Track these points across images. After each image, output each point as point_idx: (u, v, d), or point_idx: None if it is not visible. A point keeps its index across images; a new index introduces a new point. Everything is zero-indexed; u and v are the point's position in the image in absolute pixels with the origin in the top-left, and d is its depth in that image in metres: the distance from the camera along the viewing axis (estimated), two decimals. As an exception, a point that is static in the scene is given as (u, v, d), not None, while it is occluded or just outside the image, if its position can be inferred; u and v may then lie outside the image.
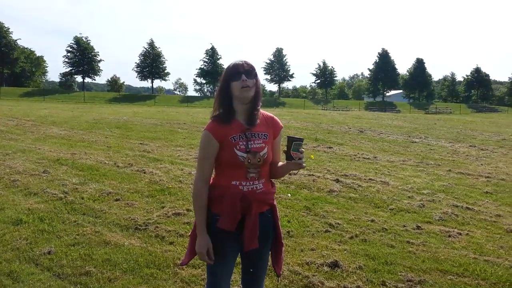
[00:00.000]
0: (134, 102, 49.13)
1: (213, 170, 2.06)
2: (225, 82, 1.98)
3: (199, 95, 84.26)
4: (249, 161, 1.95)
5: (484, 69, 77.89)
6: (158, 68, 67.86)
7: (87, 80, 68.97)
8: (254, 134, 2.00)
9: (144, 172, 6.87)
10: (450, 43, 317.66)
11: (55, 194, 5.45)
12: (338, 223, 4.72)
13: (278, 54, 74.85)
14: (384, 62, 72.72)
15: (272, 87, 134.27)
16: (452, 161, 9.29)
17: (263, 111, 2.11)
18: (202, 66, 71.31)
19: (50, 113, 19.39)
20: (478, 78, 75.19)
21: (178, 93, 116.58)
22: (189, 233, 2.16)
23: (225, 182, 1.99)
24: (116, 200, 5.29)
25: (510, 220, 5.09)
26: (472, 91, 76.93)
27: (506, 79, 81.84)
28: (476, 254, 3.95)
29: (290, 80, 78.71)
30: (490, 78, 78.60)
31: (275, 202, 2.14)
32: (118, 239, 4.03)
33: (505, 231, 4.68)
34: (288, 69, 75.24)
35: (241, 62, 1.98)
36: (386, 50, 74.16)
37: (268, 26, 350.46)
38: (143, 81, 71.75)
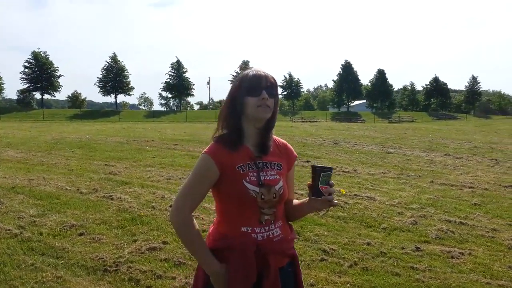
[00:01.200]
0: (97, 119, 47.36)
1: (216, 213, 1.62)
2: (238, 95, 1.55)
3: (165, 109, 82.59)
4: (262, 197, 1.52)
5: (442, 79, 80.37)
6: (121, 83, 65.83)
7: (46, 96, 65.66)
8: (266, 163, 1.58)
9: (111, 198, 6.21)
10: (409, 54, 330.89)
11: (9, 230, 4.73)
12: (332, 248, 4.30)
13: (245, 67, 74.86)
14: (348, 73, 74.18)
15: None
16: (431, 171, 9.15)
17: (275, 137, 1.69)
18: (167, 80, 70.14)
19: (6, 133, 18.09)
20: (437, 87, 78.03)
21: (143, 107, 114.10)
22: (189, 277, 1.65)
23: (232, 230, 1.54)
24: (80, 234, 4.64)
25: (507, 234, 4.85)
26: (432, 99, 79.73)
27: (463, 88, 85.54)
28: (487, 278, 3.63)
29: (257, 92, 78.55)
30: (448, 86, 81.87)
31: (295, 252, 1.68)
32: (85, 285, 3.41)
33: (507, 248, 4.42)
34: (254, 81, 75.23)
35: (263, 74, 1.56)
36: (349, 62, 75.71)
37: (234, 38, 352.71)
38: (106, 96, 69.31)
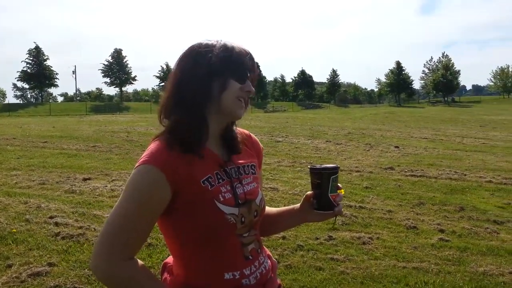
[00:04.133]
0: None
1: (173, 256, 1.12)
2: (210, 73, 1.05)
3: (21, 101, 72.60)
4: (243, 220, 1.07)
5: (308, 71, 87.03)
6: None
7: None
8: (238, 168, 1.13)
9: (-32, 213, 4.95)
10: (278, 49, 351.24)
11: None
12: (249, 247, 4.02)
13: (117, 56, 70.08)
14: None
15: (110, 91, 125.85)
16: (319, 157, 9.60)
17: (238, 128, 1.23)
18: (24, 69, 61.69)
19: None
20: (304, 79, 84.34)
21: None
22: None
23: (210, 282, 1.06)
24: None
25: (401, 215, 5.21)
26: (299, 90, 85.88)
27: (324, 80, 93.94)
28: (401, 261, 3.77)
29: (132, 83, 74.54)
30: (313, 79, 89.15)
31: (279, 280, 1.29)
32: None
33: (405, 228, 4.72)
34: (130, 71, 71.25)
35: (248, 52, 1.11)
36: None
37: (104, 22, 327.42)
38: None
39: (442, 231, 4.61)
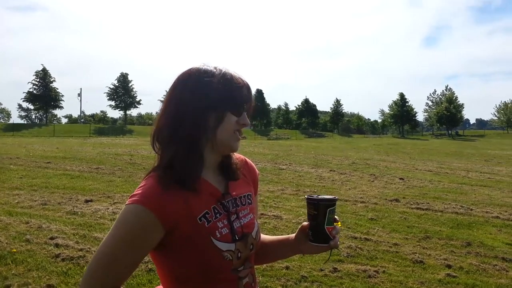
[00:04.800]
0: None
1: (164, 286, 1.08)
2: (207, 106, 1.03)
3: (26, 122, 73.03)
4: (239, 255, 1.05)
5: (311, 100, 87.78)
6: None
7: None
8: (235, 200, 1.10)
9: (-32, 232, 4.89)
10: (282, 76, 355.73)
11: None
12: (252, 277, 3.93)
13: (123, 80, 71.16)
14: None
15: (114, 114, 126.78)
16: (323, 186, 9.51)
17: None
18: (31, 90, 62.57)
19: None
20: (308, 108, 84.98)
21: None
22: None
23: None
24: None
25: (408, 248, 5.10)
26: (303, 119, 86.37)
27: (328, 109, 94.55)
28: (408, 297, 3.66)
29: (137, 107, 75.34)
30: (317, 108, 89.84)
31: None
32: None
33: (411, 262, 4.61)
34: (135, 95, 72.16)
35: (245, 82, 1.09)
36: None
37: (112, 48, 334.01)
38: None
39: (449, 266, 4.50)
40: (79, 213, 6.04)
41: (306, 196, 1.16)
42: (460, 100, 79.55)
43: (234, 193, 1.10)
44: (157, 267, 1.06)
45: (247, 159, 1.24)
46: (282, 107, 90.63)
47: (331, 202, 1.11)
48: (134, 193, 0.97)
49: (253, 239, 1.09)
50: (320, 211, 1.10)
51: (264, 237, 1.27)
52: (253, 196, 1.18)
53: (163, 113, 1.05)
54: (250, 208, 1.13)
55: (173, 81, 1.08)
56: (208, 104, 1.02)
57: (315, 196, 1.14)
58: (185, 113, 1.01)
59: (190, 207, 0.98)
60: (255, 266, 1.18)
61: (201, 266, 0.99)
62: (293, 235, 1.22)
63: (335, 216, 1.14)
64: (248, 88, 1.08)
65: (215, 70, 1.06)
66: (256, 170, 1.26)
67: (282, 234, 5.30)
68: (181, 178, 0.98)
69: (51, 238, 4.76)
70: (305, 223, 1.16)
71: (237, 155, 1.19)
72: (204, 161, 1.05)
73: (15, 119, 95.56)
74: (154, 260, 1.05)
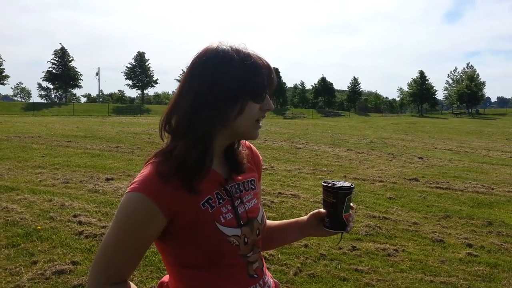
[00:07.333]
0: (-38, 111, 40.59)
1: (171, 277, 1.06)
2: (226, 96, 0.95)
3: (46, 101, 74.23)
4: (246, 240, 1.02)
5: (328, 79, 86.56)
6: (-9, 71, 57.67)
7: None
8: (239, 185, 1.07)
9: (-4, 209, 5.05)
10: (298, 55, 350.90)
11: None
12: (271, 254, 3.97)
13: (140, 59, 71.38)
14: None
15: (132, 93, 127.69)
16: (340, 165, 9.46)
17: None
18: (50, 69, 63.37)
19: None
20: (324, 87, 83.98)
21: (19, 99, 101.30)
22: None
23: None
24: (-44, 260, 3.58)
25: (427, 227, 5.06)
26: (320, 97, 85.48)
27: (346, 88, 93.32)
28: (428, 275, 3.65)
29: (154, 86, 75.77)
30: (334, 87, 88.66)
31: None
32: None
33: (431, 241, 4.58)
34: (152, 74, 72.42)
35: (267, 64, 1.01)
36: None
37: (127, 27, 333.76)
38: (-28, 86, 60.05)
39: (470, 245, 4.45)
40: (101, 191, 6.16)
41: (322, 183, 1.14)
42: (482, 77, 77.59)
43: (237, 177, 1.07)
44: (162, 255, 1.04)
45: (251, 145, 1.20)
46: (298, 86, 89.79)
47: (350, 191, 1.11)
48: (135, 179, 0.94)
49: (259, 224, 1.07)
50: (339, 200, 1.10)
51: (270, 222, 1.25)
52: (257, 182, 1.15)
53: (179, 99, 0.99)
54: (254, 193, 1.11)
55: (188, 66, 1.00)
56: (227, 94, 0.94)
57: (331, 183, 1.13)
58: (202, 104, 0.94)
59: (192, 194, 0.95)
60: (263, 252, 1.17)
61: (207, 252, 0.97)
62: (303, 218, 1.21)
63: (352, 203, 1.14)
64: (269, 69, 1.00)
65: (233, 54, 0.97)
66: (260, 157, 1.23)
67: (300, 213, 5.34)
68: (191, 167, 0.93)
69: (74, 216, 4.88)
70: (322, 210, 1.14)
71: (242, 141, 1.16)
72: (214, 150, 0.99)
73: (35, 98, 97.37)
74: (159, 248, 1.03)
